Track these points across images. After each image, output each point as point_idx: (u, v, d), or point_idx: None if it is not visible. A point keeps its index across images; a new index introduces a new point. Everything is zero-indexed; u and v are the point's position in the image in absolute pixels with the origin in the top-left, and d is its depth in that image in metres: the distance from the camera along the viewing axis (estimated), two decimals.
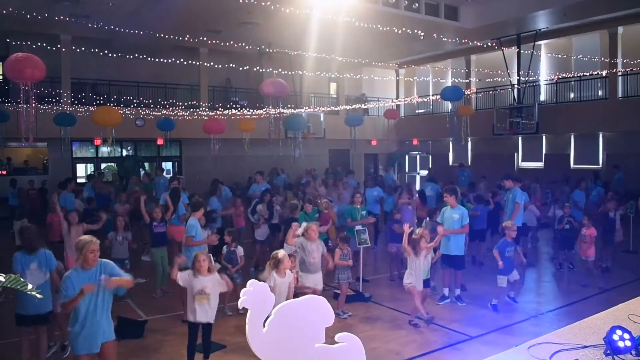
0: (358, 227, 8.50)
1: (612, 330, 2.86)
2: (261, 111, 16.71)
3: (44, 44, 14.05)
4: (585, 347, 2.93)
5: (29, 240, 5.30)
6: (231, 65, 16.93)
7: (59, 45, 15.17)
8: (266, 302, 1.93)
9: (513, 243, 7.62)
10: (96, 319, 4.29)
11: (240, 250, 7.46)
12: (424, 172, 23.42)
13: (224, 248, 7.44)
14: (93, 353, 4.32)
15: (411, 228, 6.94)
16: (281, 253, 5.88)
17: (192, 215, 7.43)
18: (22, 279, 2.03)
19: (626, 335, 2.82)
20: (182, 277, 5.32)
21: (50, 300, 5.31)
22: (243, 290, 1.94)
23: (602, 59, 16.68)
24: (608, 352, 2.82)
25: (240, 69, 17.14)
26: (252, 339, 1.86)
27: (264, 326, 1.88)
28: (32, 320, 5.18)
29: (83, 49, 14.88)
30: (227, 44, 15.09)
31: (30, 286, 2.09)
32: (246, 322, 1.88)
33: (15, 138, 12.90)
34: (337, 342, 1.91)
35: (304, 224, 7.34)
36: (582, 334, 3.11)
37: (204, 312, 5.26)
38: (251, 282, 1.97)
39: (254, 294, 1.92)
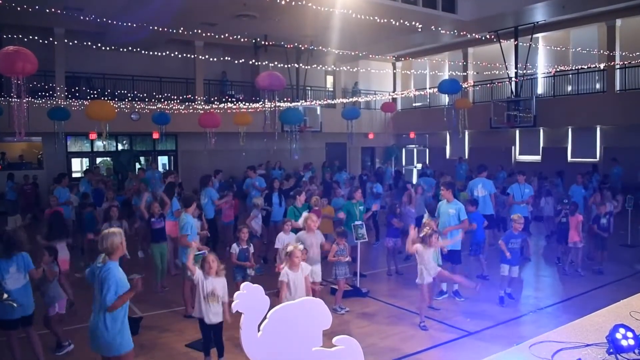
0: (356, 222, 8.43)
1: (615, 328, 2.81)
2: (257, 104, 16.60)
3: (37, 38, 13.88)
4: (588, 345, 2.89)
5: (16, 244, 5.20)
6: (227, 58, 16.80)
7: (51, 39, 14.97)
8: (260, 305, 1.85)
9: (520, 235, 7.60)
10: None
11: (251, 248, 7.27)
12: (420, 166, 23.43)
13: (234, 246, 7.11)
14: None
15: (416, 228, 6.82)
16: (290, 247, 5.76)
17: (185, 211, 7.14)
18: None
19: (629, 334, 2.77)
20: (197, 275, 5.29)
21: (32, 300, 5.34)
22: (236, 294, 1.86)
23: (600, 51, 16.62)
24: (611, 350, 2.78)
25: (236, 62, 17.02)
26: (247, 344, 1.79)
27: (259, 330, 1.80)
28: (20, 323, 5.19)
29: (76, 42, 14.72)
30: (223, 36, 14.95)
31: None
32: (240, 326, 1.80)
33: (8, 133, 12.76)
34: (335, 345, 1.84)
35: (305, 214, 7.24)
36: (583, 332, 3.07)
37: (215, 313, 5.26)
38: (244, 285, 1.89)
39: (247, 297, 1.84)
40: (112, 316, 4.17)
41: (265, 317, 1.83)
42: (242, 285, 1.90)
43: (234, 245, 7.10)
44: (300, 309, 1.85)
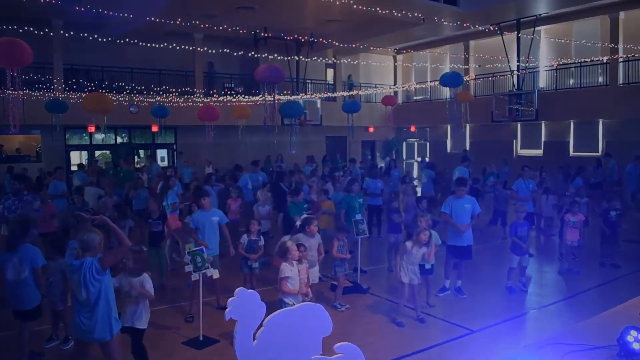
0: (357, 217, 8.32)
1: (626, 331, 2.72)
2: (257, 97, 16.45)
3: (35, 30, 13.70)
4: (597, 347, 2.79)
5: (15, 235, 5.13)
6: (226, 50, 16.61)
7: (46, 30, 14.77)
8: (256, 312, 1.72)
9: (525, 223, 7.60)
10: None
11: (262, 240, 7.17)
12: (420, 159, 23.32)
13: (244, 237, 7.02)
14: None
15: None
16: (289, 242, 5.59)
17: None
18: None
19: None
20: (116, 279, 4.84)
21: (30, 297, 5.15)
22: (229, 301, 1.74)
23: (604, 44, 16.45)
24: (622, 354, 2.68)
25: (235, 54, 16.83)
26: (241, 353, 1.67)
27: (254, 338, 1.68)
28: (15, 315, 5.13)
29: (72, 33, 14.54)
30: (222, 27, 14.79)
31: None
32: (233, 335, 1.68)
33: (4, 125, 12.62)
34: (336, 353, 1.73)
35: (304, 217, 7.10)
36: (592, 334, 3.00)
37: (129, 315, 4.84)
38: (238, 291, 1.77)
39: (241, 304, 1.71)
40: (105, 302, 4.13)
41: (261, 325, 1.71)
42: (236, 290, 1.78)
43: (244, 235, 7.05)
44: (300, 315, 1.73)
